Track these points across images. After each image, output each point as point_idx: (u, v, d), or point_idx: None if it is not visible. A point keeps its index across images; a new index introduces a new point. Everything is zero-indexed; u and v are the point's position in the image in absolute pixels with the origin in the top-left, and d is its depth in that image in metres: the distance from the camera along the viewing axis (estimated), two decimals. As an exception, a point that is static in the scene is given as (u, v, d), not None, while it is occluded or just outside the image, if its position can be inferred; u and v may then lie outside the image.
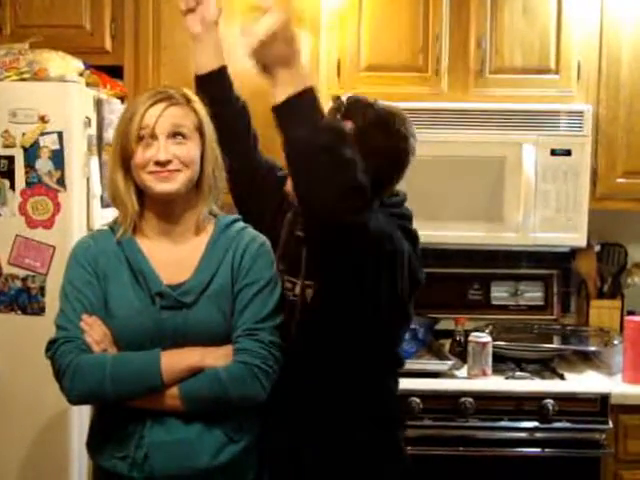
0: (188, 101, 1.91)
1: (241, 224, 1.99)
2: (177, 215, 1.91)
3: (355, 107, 1.96)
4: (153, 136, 1.84)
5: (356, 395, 1.97)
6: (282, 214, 2.08)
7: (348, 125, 1.89)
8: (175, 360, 1.79)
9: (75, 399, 1.84)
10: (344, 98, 2.00)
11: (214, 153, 1.93)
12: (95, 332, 1.81)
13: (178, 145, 1.86)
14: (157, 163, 1.83)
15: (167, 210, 1.91)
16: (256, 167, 2.19)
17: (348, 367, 1.94)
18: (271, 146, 2.10)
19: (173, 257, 1.90)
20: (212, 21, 2.13)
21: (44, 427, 2.57)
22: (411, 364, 2.96)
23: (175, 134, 1.86)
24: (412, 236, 1.98)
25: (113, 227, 1.93)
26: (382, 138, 1.93)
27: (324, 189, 1.61)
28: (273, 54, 1.59)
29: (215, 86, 2.13)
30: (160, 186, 1.85)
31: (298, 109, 1.62)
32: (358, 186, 1.64)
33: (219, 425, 1.82)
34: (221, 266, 1.89)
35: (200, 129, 1.90)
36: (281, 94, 1.62)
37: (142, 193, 1.90)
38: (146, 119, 1.84)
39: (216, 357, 1.81)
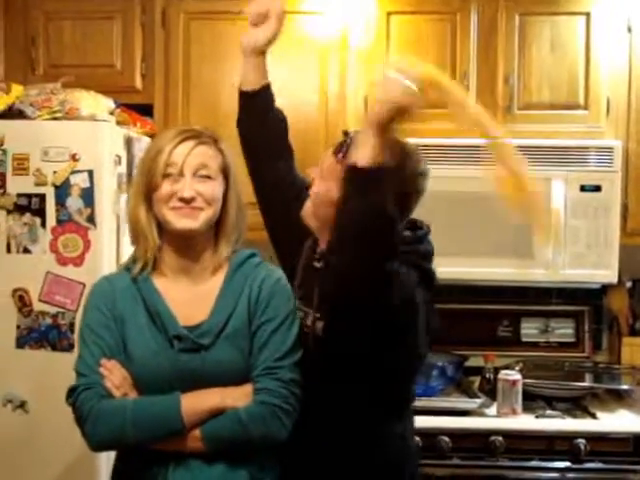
0: (215, 141, 1.90)
1: (256, 259, 1.96)
2: (197, 252, 1.89)
3: None
4: (180, 173, 1.84)
5: (372, 432, 1.92)
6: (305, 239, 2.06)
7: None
8: (195, 402, 1.77)
9: (96, 445, 1.82)
10: (353, 133, 1.99)
11: (237, 195, 1.92)
12: (115, 376, 1.80)
13: (203, 183, 1.85)
14: (181, 199, 1.83)
15: (187, 246, 1.88)
16: (290, 183, 2.16)
17: (362, 401, 1.89)
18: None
19: (190, 296, 1.88)
20: (269, 43, 2.12)
21: (72, 465, 2.57)
22: (440, 402, 2.94)
23: (201, 173, 1.86)
24: (429, 277, 1.92)
25: (130, 266, 1.92)
26: None
27: (359, 265, 1.65)
28: (396, 110, 1.65)
29: (257, 103, 2.14)
30: (182, 222, 1.84)
31: (372, 180, 1.64)
32: (392, 273, 1.68)
33: (242, 465, 1.80)
34: (238, 305, 1.86)
35: (225, 171, 1.90)
36: (362, 156, 1.65)
37: (161, 230, 1.88)
38: (174, 157, 1.84)
39: (236, 397, 1.78)
